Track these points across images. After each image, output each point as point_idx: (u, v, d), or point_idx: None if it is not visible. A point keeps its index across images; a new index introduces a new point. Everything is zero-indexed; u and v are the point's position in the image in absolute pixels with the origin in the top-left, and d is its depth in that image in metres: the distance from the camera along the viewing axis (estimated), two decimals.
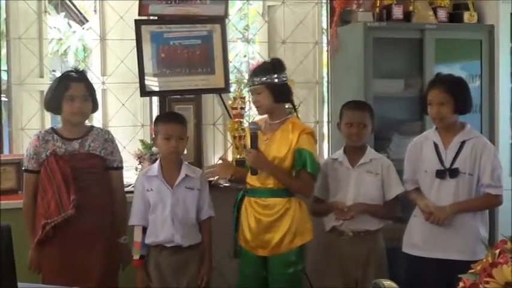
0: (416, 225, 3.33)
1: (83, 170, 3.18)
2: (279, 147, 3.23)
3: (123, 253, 3.32)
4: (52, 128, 3.29)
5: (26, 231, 3.19)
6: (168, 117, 3.43)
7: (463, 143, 3.25)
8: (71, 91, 3.17)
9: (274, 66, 3.28)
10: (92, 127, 3.35)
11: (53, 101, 3.21)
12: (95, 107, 3.31)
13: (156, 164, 3.36)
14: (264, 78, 3.21)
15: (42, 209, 3.13)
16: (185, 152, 3.46)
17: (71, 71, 3.30)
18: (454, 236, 3.21)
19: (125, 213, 3.34)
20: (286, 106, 3.46)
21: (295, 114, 3.48)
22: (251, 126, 3.25)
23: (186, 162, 3.43)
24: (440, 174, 3.24)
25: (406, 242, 3.36)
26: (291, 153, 3.21)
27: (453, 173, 3.22)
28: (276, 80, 3.23)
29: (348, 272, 3.37)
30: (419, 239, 3.29)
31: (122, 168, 3.37)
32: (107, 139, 3.29)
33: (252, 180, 3.29)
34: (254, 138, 3.21)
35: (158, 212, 3.26)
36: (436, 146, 3.28)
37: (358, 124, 3.38)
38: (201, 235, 3.32)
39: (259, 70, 3.28)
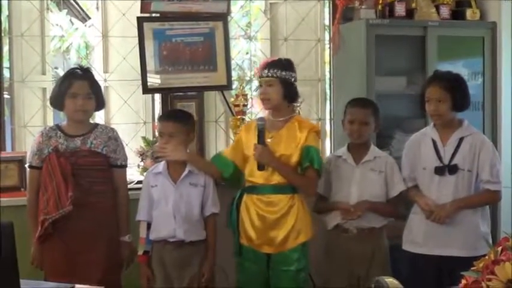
0: (415, 222, 3.34)
1: (84, 167, 3.19)
2: (286, 145, 3.24)
3: (126, 251, 3.32)
4: (57, 125, 3.31)
5: (29, 227, 3.20)
6: (163, 116, 3.50)
7: (461, 139, 3.26)
8: (74, 88, 3.19)
9: (289, 64, 3.32)
10: (96, 125, 3.36)
11: (57, 98, 3.24)
12: (99, 105, 3.33)
13: (163, 162, 3.37)
14: (279, 72, 3.23)
15: (42, 205, 3.15)
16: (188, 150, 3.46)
17: (76, 68, 3.32)
18: (455, 232, 3.21)
19: (128, 212, 3.35)
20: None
21: (298, 112, 3.49)
22: (258, 121, 3.25)
23: None
24: (439, 171, 3.25)
25: (406, 239, 3.37)
26: (298, 151, 3.23)
27: (452, 169, 3.23)
28: (289, 78, 3.26)
29: (352, 270, 3.37)
30: (419, 236, 3.30)
31: (125, 166, 3.38)
32: (111, 137, 3.30)
33: (254, 177, 3.29)
34: (261, 133, 3.21)
35: (161, 207, 3.28)
36: (434, 142, 3.29)
37: (360, 121, 3.39)
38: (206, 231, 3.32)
39: (275, 64, 3.29)
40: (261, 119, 3.29)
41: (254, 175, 3.28)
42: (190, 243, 3.27)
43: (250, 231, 3.28)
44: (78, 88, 3.19)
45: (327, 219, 3.45)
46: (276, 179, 3.24)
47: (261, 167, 3.23)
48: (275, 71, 3.23)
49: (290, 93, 3.27)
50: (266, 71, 3.25)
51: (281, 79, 3.23)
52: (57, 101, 3.24)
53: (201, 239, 3.31)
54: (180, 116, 3.38)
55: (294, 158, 3.23)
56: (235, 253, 3.33)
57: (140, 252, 3.31)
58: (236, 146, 3.39)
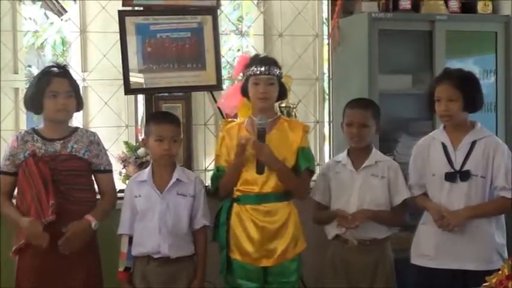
0: (425, 234, 3.33)
1: (64, 173, 3.19)
2: (280, 146, 3.27)
3: (83, 227, 3.17)
4: (33, 129, 3.31)
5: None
6: (161, 117, 3.43)
7: (473, 143, 3.26)
8: (54, 87, 3.19)
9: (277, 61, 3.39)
10: (76, 128, 3.37)
11: (34, 98, 3.22)
12: (79, 106, 3.33)
13: (148, 169, 3.36)
14: (278, 71, 3.32)
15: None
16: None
17: (53, 66, 3.33)
18: (468, 244, 3.21)
19: (108, 212, 3.32)
20: None
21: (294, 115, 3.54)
22: (258, 121, 3.24)
23: (180, 166, 3.43)
24: (450, 177, 3.25)
25: (415, 252, 3.37)
26: (294, 153, 3.29)
27: (464, 175, 3.23)
28: (281, 76, 3.37)
29: (354, 284, 3.37)
30: (429, 249, 3.30)
31: (110, 171, 3.39)
32: (93, 141, 3.31)
33: (247, 186, 3.29)
34: (262, 133, 3.22)
35: (146, 219, 3.26)
36: (444, 146, 3.30)
37: (359, 124, 3.39)
38: (194, 246, 3.31)
39: (272, 61, 3.35)
40: (261, 117, 3.26)
41: (248, 183, 3.29)
42: (176, 260, 3.25)
43: (246, 244, 3.28)
44: (58, 86, 3.20)
45: (326, 229, 3.46)
46: (271, 185, 3.26)
47: (261, 169, 3.23)
48: (275, 69, 3.30)
49: (283, 93, 3.37)
50: (266, 69, 3.27)
51: (279, 78, 3.31)
52: (35, 101, 3.22)
53: (188, 254, 3.29)
54: (175, 118, 3.39)
55: (290, 161, 3.28)
56: (222, 270, 3.33)
57: (121, 269, 3.28)
58: (228, 156, 3.37)
